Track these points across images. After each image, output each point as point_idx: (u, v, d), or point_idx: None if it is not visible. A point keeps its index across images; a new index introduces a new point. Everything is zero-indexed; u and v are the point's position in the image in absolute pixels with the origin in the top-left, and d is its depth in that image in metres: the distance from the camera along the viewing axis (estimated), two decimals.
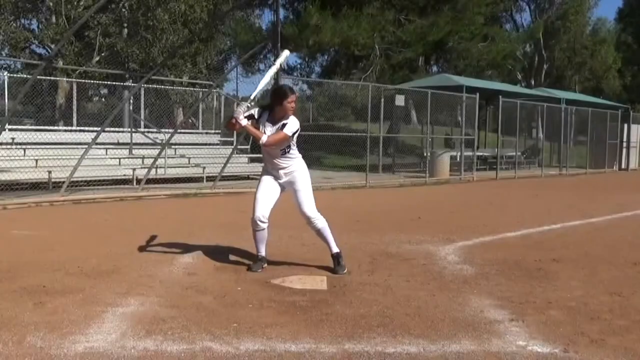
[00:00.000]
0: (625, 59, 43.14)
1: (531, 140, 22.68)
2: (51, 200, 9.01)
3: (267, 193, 4.73)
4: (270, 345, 3.10)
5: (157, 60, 16.15)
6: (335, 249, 4.78)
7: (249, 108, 4.56)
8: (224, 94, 17.49)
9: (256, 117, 4.63)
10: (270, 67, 5.13)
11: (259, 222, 4.70)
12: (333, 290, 4.20)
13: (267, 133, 4.57)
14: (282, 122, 4.58)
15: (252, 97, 4.63)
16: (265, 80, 4.79)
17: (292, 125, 4.59)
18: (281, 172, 4.73)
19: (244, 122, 4.49)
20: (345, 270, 4.70)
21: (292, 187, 4.75)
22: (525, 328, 3.44)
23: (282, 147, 4.64)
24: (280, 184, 4.77)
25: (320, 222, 4.72)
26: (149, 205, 9.34)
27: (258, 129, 4.62)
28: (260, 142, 4.56)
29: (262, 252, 4.84)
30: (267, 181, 4.78)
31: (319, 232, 4.77)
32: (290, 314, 3.65)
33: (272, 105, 4.62)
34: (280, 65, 4.99)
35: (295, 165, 4.75)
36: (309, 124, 24.28)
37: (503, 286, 4.39)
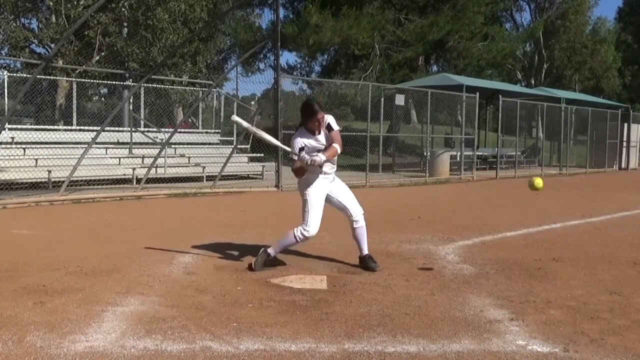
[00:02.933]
0: (625, 58, 43.18)
1: (531, 140, 22.68)
2: (51, 200, 9.01)
3: (323, 205, 4.72)
4: (270, 345, 3.10)
5: (157, 59, 16.14)
6: (366, 252, 4.92)
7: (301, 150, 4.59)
8: (223, 93, 17.49)
9: (302, 145, 4.61)
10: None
11: (312, 237, 4.70)
12: (333, 290, 4.20)
13: (320, 145, 4.60)
14: (326, 123, 4.59)
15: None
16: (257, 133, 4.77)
17: (332, 121, 4.64)
18: (332, 172, 4.78)
19: (320, 157, 4.50)
20: (378, 267, 4.84)
21: (339, 186, 4.82)
22: (525, 327, 3.43)
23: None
24: (328, 191, 4.77)
25: (363, 220, 4.89)
26: (149, 204, 9.34)
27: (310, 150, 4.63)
28: (339, 152, 4.62)
29: (274, 254, 4.83)
30: (322, 195, 4.71)
31: (359, 230, 4.87)
32: (290, 313, 3.65)
33: (305, 122, 4.62)
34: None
35: None
36: None
37: (503, 285, 4.39)
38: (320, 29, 20.31)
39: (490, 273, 4.78)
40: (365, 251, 4.92)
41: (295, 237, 4.67)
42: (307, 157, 4.49)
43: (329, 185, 4.76)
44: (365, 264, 4.87)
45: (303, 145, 4.59)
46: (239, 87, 36.96)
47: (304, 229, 4.65)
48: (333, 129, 4.63)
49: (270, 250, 4.78)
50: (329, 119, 4.65)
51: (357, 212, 4.85)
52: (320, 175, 4.69)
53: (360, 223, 4.86)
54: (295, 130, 4.79)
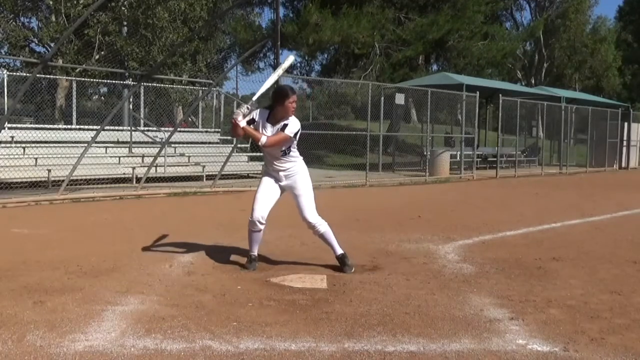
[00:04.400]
0: (625, 57, 43.18)
1: (531, 139, 22.68)
2: (51, 199, 9.00)
3: (267, 194, 4.69)
4: (270, 344, 3.09)
5: (157, 58, 16.13)
6: (339, 251, 4.74)
7: (249, 110, 4.54)
8: (223, 92, 17.48)
9: (255, 118, 4.59)
10: (274, 69, 5.12)
11: (257, 223, 4.67)
12: (333, 289, 4.20)
13: (267, 134, 4.53)
14: (282, 123, 4.53)
15: (253, 99, 4.64)
16: (268, 83, 4.75)
17: (293, 125, 4.53)
18: (281, 174, 4.67)
19: (243, 123, 4.46)
20: (353, 270, 4.68)
21: (292, 191, 4.70)
22: (525, 327, 3.43)
23: (282, 148, 4.59)
24: (280, 186, 4.72)
25: (322, 227, 4.67)
26: (149, 204, 9.33)
27: (258, 130, 4.58)
28: (260, 143, 4.50)
29: (255, 252, 4.81)
30: (268, 182, 4.73)
31: (322, 237, 4.73)
32: (290, 312, 3.65)
33: (274, 105, 4.57)
34: (284, 70, 5.00)
35: (296, 167, 4.69)
36: (309, 123, 24.28)
37: (503, 285, 4.39)
38: (320, 28, 20.29)
39: (490, 272, 4.78)
40: (338, 251, 4.74)
41: (248, 229, 4.74)
42: (239, 112, 4.53)
43: (278, 181, 4.69)
44: (339, 263, 4.74)
45: (256, 115, 4.58)
46: (238, 86, 37.04)
47: (249, 217, 4.72)
48: (284, 130, 4.50)
49: (251, 253, 4.81)
50: (293, 122, 4.53)
51: (309, 220, 4.64)
52: (268, 168, 4.73)
53: (320, 229, 4.66)
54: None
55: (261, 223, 4.67)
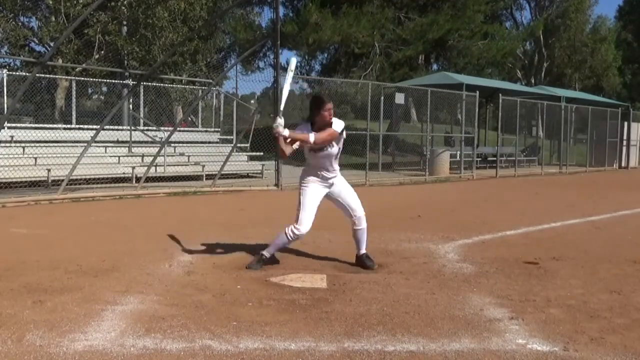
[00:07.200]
0: (625, 57, 43.20)
1: (531, 139, 22.68)
2: (50, 199, 9.00)
3: (316, 205, 4.70)
4: (270, 344, 3.09)
5: (157, 58, 16.13)
6: (363, 251, 4.93)
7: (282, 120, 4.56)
8: (223, 92, 17.48)
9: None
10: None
11: (303, 235, 4.68)
12: (333, 289, 4.20)
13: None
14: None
15: (281, 109, 4.62)
16: (285, 91, 4.71)
17: (338, 123, 4.60)
18: (332, 179, 4.74)
19: (286, 132, 4.44)
20: (375, 265, 4.86)
21: (340, 189, 4.79)
22: (525, 326, 3.43)
23: (329, 150, 4.61)
24: (327, 192, 4.76)
25: (365, 223, 4.88)
26: (148, 203, 9.33)
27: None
28: (310, 141, 4.47)
29: (269, 255, 4.81)
30: (317, 192, 4.70)
31: (360, 232, 4.87)
32: (290, 312, 3.64)
33: (312, 116, 4.59)
34: (293, 72, 4.97)
35: (338, 173, 4.84)
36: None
37: (503, 284, 4.39)
38: (320, 28, 20.31)
39: (490, 272, 4.78)
40: (363, 250, 4.93)
41: (287, 235, 4.66)
42: (278, 123, 4.44)
43: (326, 188, 4.73)
44: (363, 262, 4.89)
45: (301, 129, 4.60)
46: (238, 85, 37.07)
47: (295, 227, 4.64)
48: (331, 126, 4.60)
49: (265, 253, 4.78)
50: (337, 121, 4.61)
51: (358, 214, 4.84)
52: (316, 178, 4.69)
53: (361, 225, 4.86)
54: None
55: (305, 234, 4.72)
